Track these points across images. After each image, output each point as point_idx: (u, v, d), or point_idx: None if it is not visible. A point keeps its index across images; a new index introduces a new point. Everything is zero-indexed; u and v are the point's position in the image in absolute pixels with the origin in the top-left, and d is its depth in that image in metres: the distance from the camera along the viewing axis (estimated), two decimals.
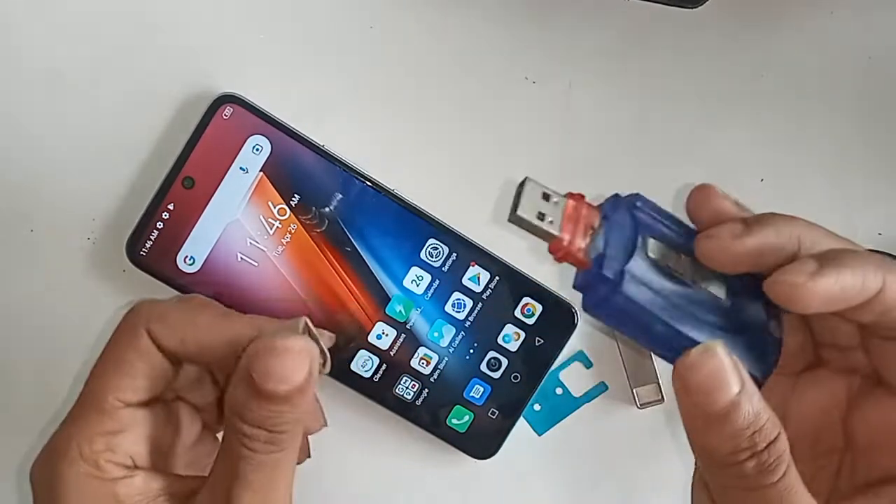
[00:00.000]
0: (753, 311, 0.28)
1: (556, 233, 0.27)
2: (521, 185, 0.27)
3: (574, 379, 0.43)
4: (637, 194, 0.28)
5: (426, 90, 0.42)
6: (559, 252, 0.27)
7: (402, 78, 0.42)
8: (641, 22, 0.42)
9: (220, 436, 0.35)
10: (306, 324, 0.29)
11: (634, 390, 0.43)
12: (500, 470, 0.43)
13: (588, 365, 0.44)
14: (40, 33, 0.40)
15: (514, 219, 0.27)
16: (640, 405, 0.43)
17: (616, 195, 0.28)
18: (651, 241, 0.27)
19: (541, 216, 0.27)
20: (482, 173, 0.42)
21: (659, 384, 0.43)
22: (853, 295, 0.25)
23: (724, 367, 0.24)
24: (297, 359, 0.27)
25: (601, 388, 0.44)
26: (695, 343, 0.26)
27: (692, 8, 0.41)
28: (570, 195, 0.28)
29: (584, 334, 0.43)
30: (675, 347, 0.27)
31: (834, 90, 0.43)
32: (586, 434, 0.44)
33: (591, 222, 0.27)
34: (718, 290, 0.28)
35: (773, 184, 0.43)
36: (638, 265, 0.27)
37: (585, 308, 0.27)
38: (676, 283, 0.27)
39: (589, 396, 0.44)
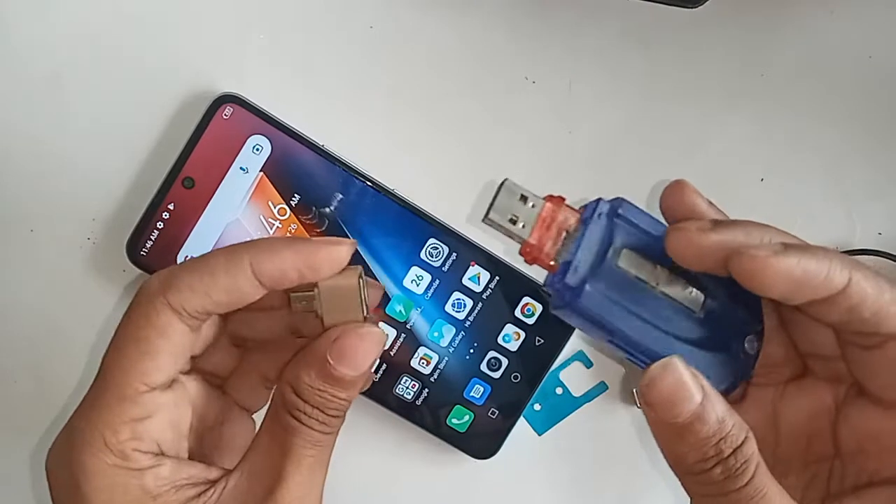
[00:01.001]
0: (728, 324, 0.29)
1: (525, 237, 0.27)
2: (500, 187, 0.28)
3: (574, 379, 0.43)
4: (620, 199, 0.28)
5: (426, 90, 0.42)
6: (528, 256, 0.28)
7: (401, 78, 0.42)
8: (641, 22, 0.42)
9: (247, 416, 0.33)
10: (361, 275, 0.28)
11: (634, 390, 0.43)
12: (501, 469, 0.43)
13: (588, 365, 0.44)
14: (40, 34, 0.40)
15: (487, 221, 0.28)
16: (640, 405, 0.43)
17: (599, 199, 0.28)
18: (624, 252, 0.28)
19: (513, 219, 0.27)
20: (482, 173, 0.42)
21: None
22: (817, 283, 0.25)
23: (684, 380, 0.25)
24: (373, 347, 0.27)
25: (601, 387, 0.44)
26: (656, 355, 0.26)
27: (692, 8, 0.41)
28: (548, 198, 0.28)
29: (584, 334, 0.43)
30: (637, 357, 0.28)
31: (834, 89, 0.43)
32: (586, 434, 0.44)
33: (566, 226, 0.28)
34: (693, 302, 0.28)
35: (773, 183, 0.43)
36: (605, 274, 0.27)
37: (552, 309, 0.28)
38: (644, 294, 0.27)
39: (589, 396, 0.44)
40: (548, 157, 0.43)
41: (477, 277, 0.41)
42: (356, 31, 0.42)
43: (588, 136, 0.43)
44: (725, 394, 0.27)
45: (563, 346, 0.42)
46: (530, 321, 0.41)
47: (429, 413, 0.42)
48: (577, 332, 0.42)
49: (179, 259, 0.39)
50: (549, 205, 0.28)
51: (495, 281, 0.41)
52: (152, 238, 0.39)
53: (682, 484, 0.27)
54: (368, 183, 0.40)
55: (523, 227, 0.27)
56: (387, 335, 0.29)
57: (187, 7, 0.41)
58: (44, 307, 0.41)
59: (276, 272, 0.27)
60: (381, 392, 0.41)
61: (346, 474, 0.43)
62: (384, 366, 0.41)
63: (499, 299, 0.41)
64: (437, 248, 0.41)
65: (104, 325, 0.41)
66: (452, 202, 0.41)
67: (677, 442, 0.26)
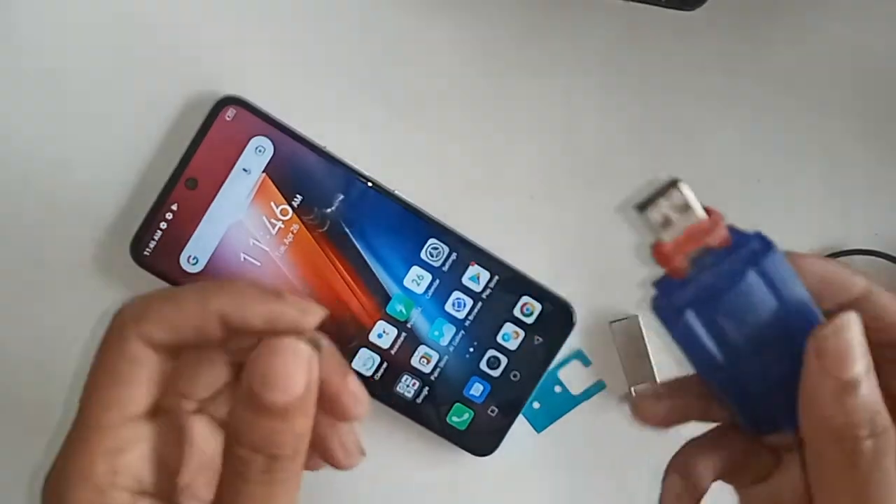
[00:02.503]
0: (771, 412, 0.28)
1: (667, 240, 0.27)
2: (669, 185, 0.27)
3: (572, 377, 0.44)
4: (771, 247, 0.27)
5: (426, 90, 0.42)
6: (658, 255, 0.27)
7: (402, 79, 0.42)
8: (640, 23, 0.43)
9: None
10: (318, 345, 0.26)
11: (632, 388, 0.44)
12: (499, 466, 0.43)
13: (586, 363, 0.44)
14: (42, 36, 0.41)
15: (640, 212, 0.27)
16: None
17: (759, 236, 0.27)
18: (730, 304, 0.26)
19: (666, 222, 0.27)
20: (482, 173, 0.43)
21: (657, 383, 0.44)
22: (840, 281, 0.26)
23: (860, 342, 0.24)
24: (293, 360, 0.24)
25: (599, 386, 0.44)
26: (719, 394, 0.27)
27: (690, 10, 0.41)
28: (708, 211, 0.27)
29: (583, 333, 0.44)
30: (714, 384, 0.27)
31: (832, 91, 0.43)
32: (584, 431, 0.44)
33: (711, 243, 0.27)
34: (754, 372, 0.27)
35: (770, 184, 0.44)
36: (700, 314, 0.27)
37: (650, 307, 0.28)
38: (718, 351, 0.27)
39: (587, 394, 0.44)
40: (547, 156, 0.43)
41: (477, 277, 0.41)
42: (356, 31, 0.42)
43: (587, 136, 0.43)
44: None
45: (562, 345, 0.42)
46: (529, 320, 0.42)
47: (429, 411, 0.42)
48: (575, 331, 0.42)
49: (183, 259, 0.40)
50: (705, 221, 0.27)
51: (495, 280, 0.41)
52: (156, 238, 0.40)
53: (811, 450, 0.25)
54: (369, 184, 0.40)
55: (670, 230, 0.27)
56: (315, 348, 0.25)
57: (188, 10, 0.41)
58: (47, 308, 0.42)
59: (240, 321, 0.25)
60: (382, 390, 0.42)
61: (346, 471, 0.43)
62: (385, 364, 0.41)
63: (498, 298, 0.41)
64: (438, 248, 0.41)
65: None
66: (451, 200, 0.42)
67: (834, 401, 0.24)
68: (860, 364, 0.24)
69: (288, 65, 0.42)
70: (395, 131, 0.42)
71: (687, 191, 0.27)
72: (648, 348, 0.43)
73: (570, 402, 0.44)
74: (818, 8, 0.43)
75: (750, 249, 0.27)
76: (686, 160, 0.43)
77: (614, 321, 0.43)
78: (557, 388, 0.44)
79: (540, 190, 0.43)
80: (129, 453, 0.25)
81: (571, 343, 0.43)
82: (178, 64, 0.41)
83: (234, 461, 0.24)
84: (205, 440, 0.27)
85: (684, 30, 0.43)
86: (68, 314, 0.42)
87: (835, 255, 0.43)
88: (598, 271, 0.43)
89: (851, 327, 0.24)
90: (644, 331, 0.43)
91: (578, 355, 0.44)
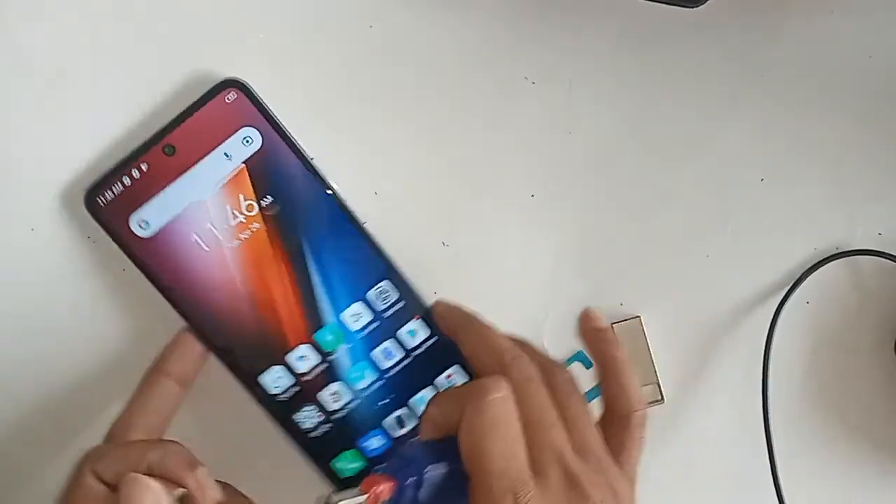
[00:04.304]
0: None
1: None
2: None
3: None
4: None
5: (426, 90, 0.42)
6: None
7: (401, 77, 0.42)
8: (641, 22, 0.42)
9: None
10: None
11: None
12: None
13: (588, 365, 0.43)
14: (42, 30, 0.40)
15: None
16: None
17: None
18: None
19: None
20: (483, 172, 0.42)
21: (658, 385, 0.43)
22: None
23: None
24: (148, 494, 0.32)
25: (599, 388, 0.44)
26: None
27: (692, 7, 0.40)
28: (365, 484, 0.33)
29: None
30: None
31: (834, 90, 0.43)
32: None
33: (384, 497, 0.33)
34: None
35: (773, 184, 0.43)
36: None
37: None
38: None
39: (589, 396, 0.43)
40: (548, 157, 0.43)
41: (415, 332, 0.41)
42: (356, 30, 0.41)
43: (588, 136, 0.43)
44: None
45: None
46: None
47: (319, 448, 0.41)
48: (575, 331, 0.42)
49: (134, 219, 0.39)
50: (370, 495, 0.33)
51: (431, 341, 0.41)
52: (114, 191, 0.38)
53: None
54: (342, 209, 0.40)
55: None
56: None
57: (188, 6, 0.40)
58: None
59: (161, 475, 0.34)
60: (282, 412, 0.41)
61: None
62: (295, 388, 0.40)
63: (428, 360, 0.41)
64: (387, 293, 0.40)
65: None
66: (450, 199, 0.42)
67: None
68: None
69: (285, 62, 0.41)
70: (394, 130, 0.42)
71: (338, 494, 0.33)
72: (651, 350, 0.43)
73: None
74: (822, 7, 0.43)
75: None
76: (688, 159, 0.43)
77: (616, 322, 0.43)
78: None
79: (541, 189, 0.43)
80: None
81: (572, 345, 0.43)
82: (175, 62, 0.40)
83: None
84: None
85: (686, 27, 0.42)
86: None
87: (838, 255, 0.43)
88: (599, 272, 0.43)
89: None
90: (646, 332, 0.43)
91: (580, 357, 0.43)
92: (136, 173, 0.38)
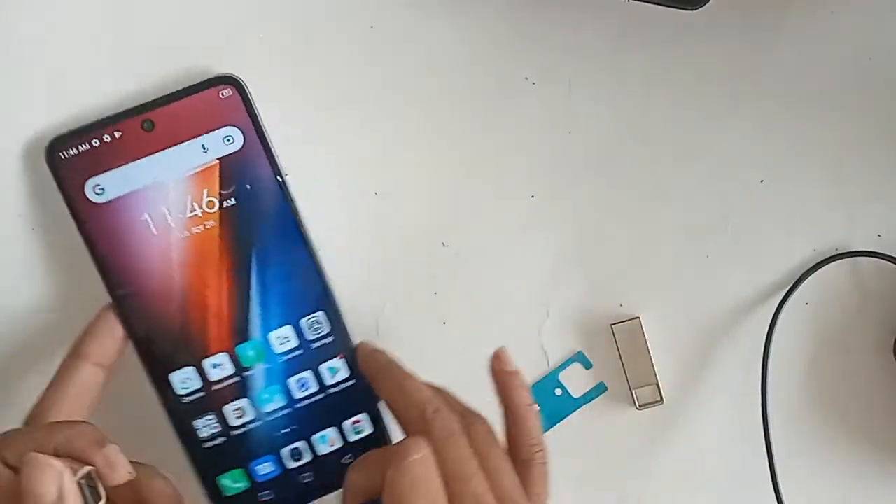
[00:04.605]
0: None
1: None
2: None
3: (573, 380, 0.43)
4: None
5: (426, 90, 0.42)
6: None
7: (401, 77, 0.42)
8: (641, 22, 0.42)
9: None
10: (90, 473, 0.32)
11: (634, 391, 0.43)
12: None
13: (587, 366, 0.43)
14: (41, 31, 0.39)
15: None
16: (640, 406, 0.43)
17: None
18: None
19: None
20: (483, 172, 0.42)
21: (658, 385, 0.43)
22: None
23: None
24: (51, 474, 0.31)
25: (600, 388, 0.43)
26: None
27: (692, 9, 0.40)
28: None
29: (584, 335, 0.43)
30: None
31: (834, 90, 0.43)
32: (586, 435, 0.43)
33: None
34: None
35: (773, 184, 0.43)
36: None
37: None
38: None
39: (588, 397, 0.43)
40: (548, 157, 0.43)
41: (336, 370, 0.40)
42: (356, 30, 0.41)
43: (588, 136, 0.43)
44: None
45: None
46: (352, 437, 0.41)
47: (210, 459, 0.40)
48: (575, 331, 0.42)
49: (91, 183, 0.38)
50: None
51: (349, 384, 0.40)
52: (80, 148, 0.37)
53: None
54: (299, 232, 0.39)
55: None
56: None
57: (187, 7, 0.40)
58: None
59: (67, 455, 0.33)
60: (181, 415, 0.39)
61: None
62: (201, 394, 0.39)
63: (340, 401, 0.40)
64: (319, 324, 0.40)
65: None
66: (450, 198, 0.42)
67: None
68: None
69: (284, 62, 0.41)
70: (394, 130, 0.42)
71: None
72: (650, 350, 0.43)
73: (571, 404, 0.43)
74: (822, 7, 0.43)
75: None
76: (688, 160, 0.43)
77: (616, 323, 0.43)
78: (558, 391, 0.43)
79: (541, 190, 0.43)
80: None
81: (572, 345, 0.43)
82: (173, 62, 0.40)
83: None
84: None
85: (686, 28, 0.42)
86: None
87: (838, 256, 0.43)
88: (599, 272, 0.43)
89: None
90: (646, 332, 0.43)
91: (579, 357, 0.43)
92: (107, 138, 0.38)
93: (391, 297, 0.43)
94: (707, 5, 0.39)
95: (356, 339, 0.41)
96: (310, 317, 0.40)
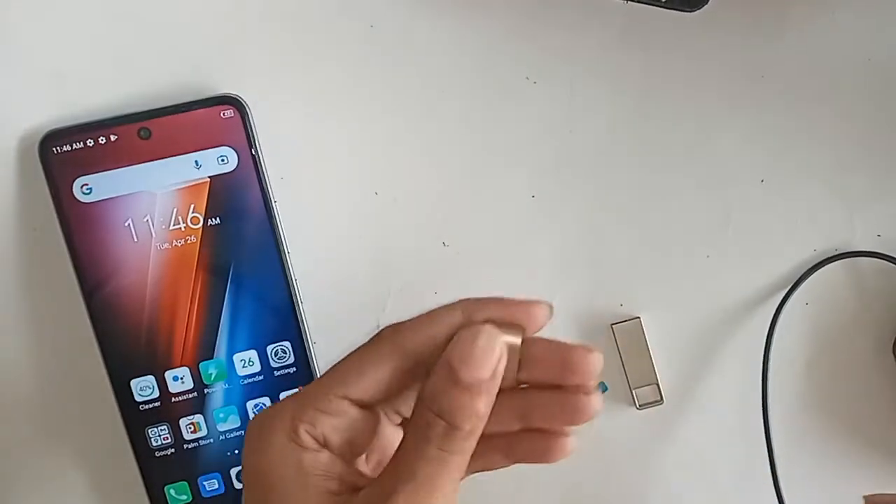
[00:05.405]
0: None
1: None
2: None
3: None
4: None
5: (425, 90, 0.42)
6: None
7: (401, 78, 0.41)
8: (642, 23, 0.42)
9: None
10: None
11: (634, 391, 0.43)
12: (500, 470, 0.41)
13: None
14: (42, 34, 0.39)
15: None
16: (640, 406, 0.43)
17: None
18: None
19: None
20: (483, 172, 0.42)
21: (658, 385, 0.43)
22: None
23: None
24: (488, 344, 0.28)
25: (601, 388, 0.42)
26: None
27: (691, 11, 0.40)
28: None
29: (584, 335, 0.43)
30: None
31: (834, 91, 0.43)
32: (586, 434, 0.42)
33: None
34: None
35: (773, 185, 0.43)
36: None
37: None
38: None
39: None
40: (548, 157, 0.42)
41: None
42: (356, 30, 0.41)
43: (588, 136, 0.42)
44: None
45: None
46: None
47: (157, 469, 0.40)
48: (575, 332, 0.42)
49: (79, 182, 0.38)
50: None
51: None
52: (74, 146, 0.37)
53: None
54: (281, 258, 0.39)
55: None
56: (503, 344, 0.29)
57: (188, 10, 0.40)
58: None
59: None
60: (135, 421, 0.39)
61: None
62: (157, 404, 0.39)
63: None
64: (285, 354, 0.40)
65: None
66: (449, 197, 0.42)
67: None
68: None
69: (284, 61, 0.41)
70: (394, 130, 0.42)
71: None
72: (650, 350, 0.43)
73: None
74: (822, 8, 0.43)
75: None
76: (689, 160, 0.43)
77: (616, 323, 0.43)
78: None
79: (541, 190, 0.42)
80: (331, 419, 0.30)
81: None
82: (175, 64, 0.40)
83: (418, 424, 0.29)
84: (388, 435, 0.32)
85: (686, 29, 0.42)
86: None
87: (838, 256, 0.43)
88: (599, 272, 0.43)
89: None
90: (646, 332, 0.43)
91: None
92: (102, 139, 0.37)
93: (391, 297, 0.42)
94: (707, 7, 0.39)
95: (320, 374, 0.40)
96: (276, 345, 0.40)
